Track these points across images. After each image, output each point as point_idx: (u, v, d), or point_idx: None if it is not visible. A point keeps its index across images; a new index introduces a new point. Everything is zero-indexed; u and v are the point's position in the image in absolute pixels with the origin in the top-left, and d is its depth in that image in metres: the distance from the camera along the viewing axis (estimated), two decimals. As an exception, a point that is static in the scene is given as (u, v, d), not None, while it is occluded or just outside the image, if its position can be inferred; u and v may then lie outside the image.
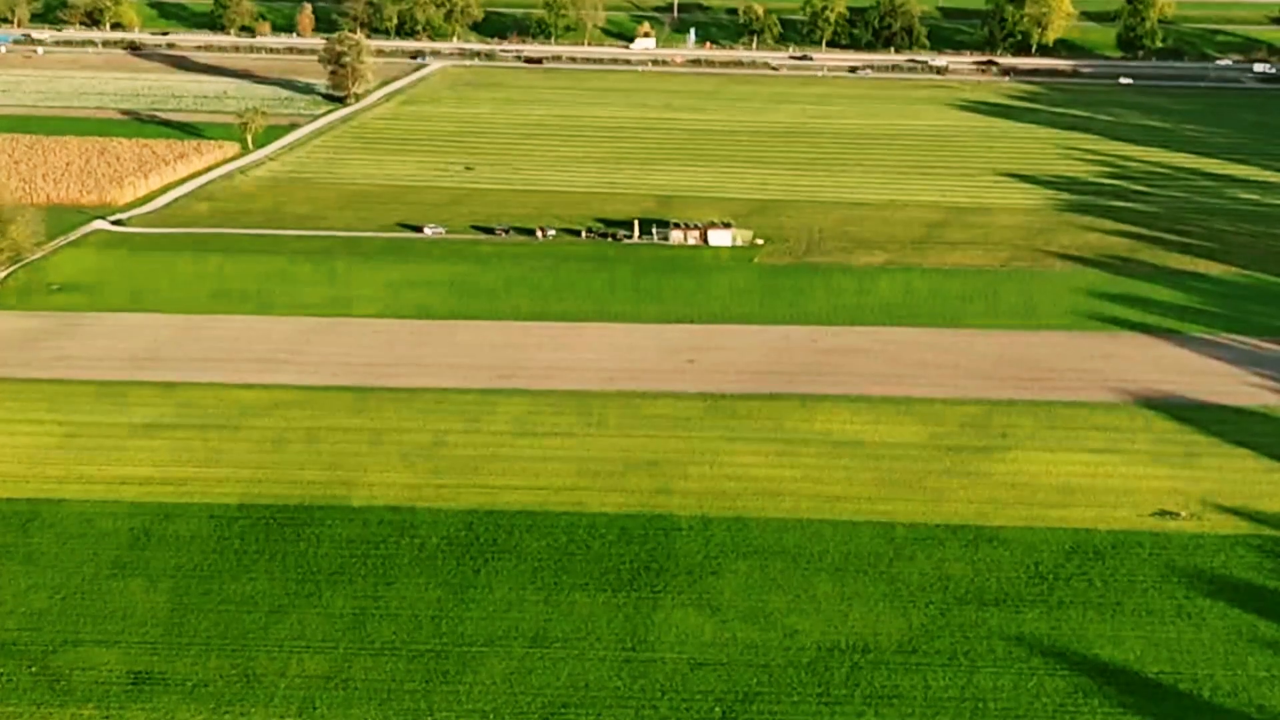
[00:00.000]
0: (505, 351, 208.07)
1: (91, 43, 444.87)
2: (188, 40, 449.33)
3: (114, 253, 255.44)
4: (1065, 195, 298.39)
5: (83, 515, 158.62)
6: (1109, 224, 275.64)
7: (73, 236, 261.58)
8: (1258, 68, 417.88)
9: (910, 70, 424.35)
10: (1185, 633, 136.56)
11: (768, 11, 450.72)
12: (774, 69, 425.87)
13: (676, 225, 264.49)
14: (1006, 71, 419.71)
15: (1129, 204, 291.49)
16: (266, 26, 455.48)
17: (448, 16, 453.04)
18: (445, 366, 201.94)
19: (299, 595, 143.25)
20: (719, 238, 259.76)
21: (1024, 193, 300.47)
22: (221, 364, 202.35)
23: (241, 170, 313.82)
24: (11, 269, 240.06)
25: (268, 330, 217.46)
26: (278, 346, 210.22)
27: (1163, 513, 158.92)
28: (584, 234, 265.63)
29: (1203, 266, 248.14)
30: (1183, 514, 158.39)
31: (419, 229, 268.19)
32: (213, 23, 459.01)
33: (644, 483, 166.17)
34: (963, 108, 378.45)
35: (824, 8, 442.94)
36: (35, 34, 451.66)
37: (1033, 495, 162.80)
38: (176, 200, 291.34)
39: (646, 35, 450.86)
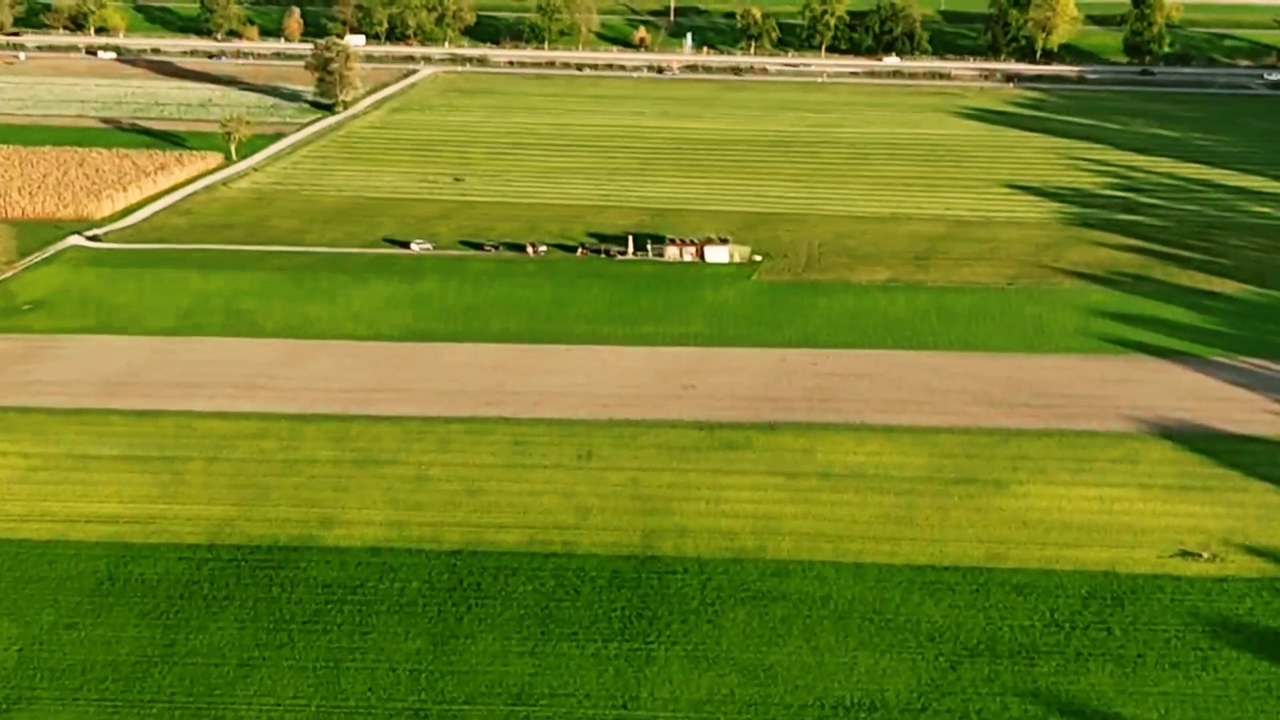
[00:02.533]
0: (493, 376, 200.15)
1: (75, 48, 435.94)
2: (173, 45, 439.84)
3: (89, 270, 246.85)
4: (1073, 208, 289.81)
5: (45, 557, 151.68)
6: (1118, 239, 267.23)
7: (47, 253, 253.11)
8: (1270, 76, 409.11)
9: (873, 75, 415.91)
10: (1211, 687, 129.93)
11: (766, 16, 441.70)
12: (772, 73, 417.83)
13: (672, 241, 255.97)
14: (1010, 78, 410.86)
15: (1139, 217, 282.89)
16: (254, 31, 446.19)
17: (439, 21, 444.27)
18: (430, 392, 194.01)
19: (270, 646, 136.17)
20: (716, 254, 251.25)
21: (1030, 205, 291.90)
22: (196, 390, 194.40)
23: (224, 182, 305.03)
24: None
25: (246, 353, 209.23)
26: (256, 371, 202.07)
27: (1183, 553, 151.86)
28: (579, 251, 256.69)
29: (1216, 284, 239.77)
30: (1204, 555, 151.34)
31: (406, 244, 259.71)
32: (199, 27, 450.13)
33: (637, 521, 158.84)
34: (965, 115, 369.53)
35: (823, 12, 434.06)
36: (18, 39, 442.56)
37: (1046, 534, 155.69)
38: (156, 214, 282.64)
39: (354, 33, 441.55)
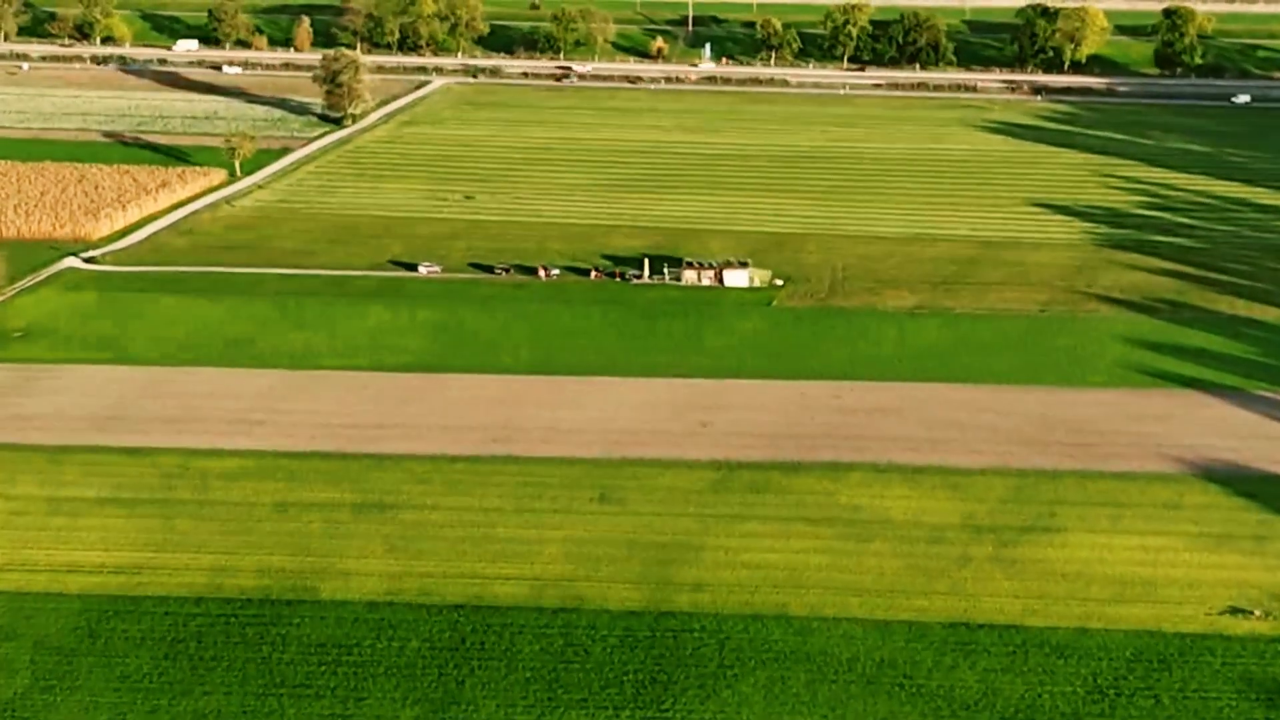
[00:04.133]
0: (501, 410, 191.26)
1: (80, 58, 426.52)
2: (180, 55, 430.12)
3: (83, 294, 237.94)
4: (1105, 229, 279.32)
5: (21, 611, 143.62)
6: (1154, 262, 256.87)
7: (41, 276, 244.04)
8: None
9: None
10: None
11: (786, 26, 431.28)
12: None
13: (690, 264, 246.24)
14: (1038, 90, 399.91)
15: (1175, 239, 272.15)
16: (263, 41, 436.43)
17: (452, 30, 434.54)
18: (435, 428, 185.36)
19: (258, 713, 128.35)
20: (735, 278, 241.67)
21: (1060, 225, 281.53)
22: (190, 425, 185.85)
23: (227, 200, 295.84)
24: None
25: (243, 385, 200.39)
26: (252, 404, 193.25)
27: (1234, 610, 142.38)
28: (594, 274, 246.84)
29: (1258, 311, 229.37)
30: (1256, 613, 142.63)
31: (413, 267, 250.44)
32: (207, 36, 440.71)
33: (651, 571, 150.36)
34: (991, 130, 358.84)
35: (845, 22, 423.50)
36: (20, 49, 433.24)
37: (1086, 588, 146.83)
38: (156, 234, 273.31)
39: (185, 39, 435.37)
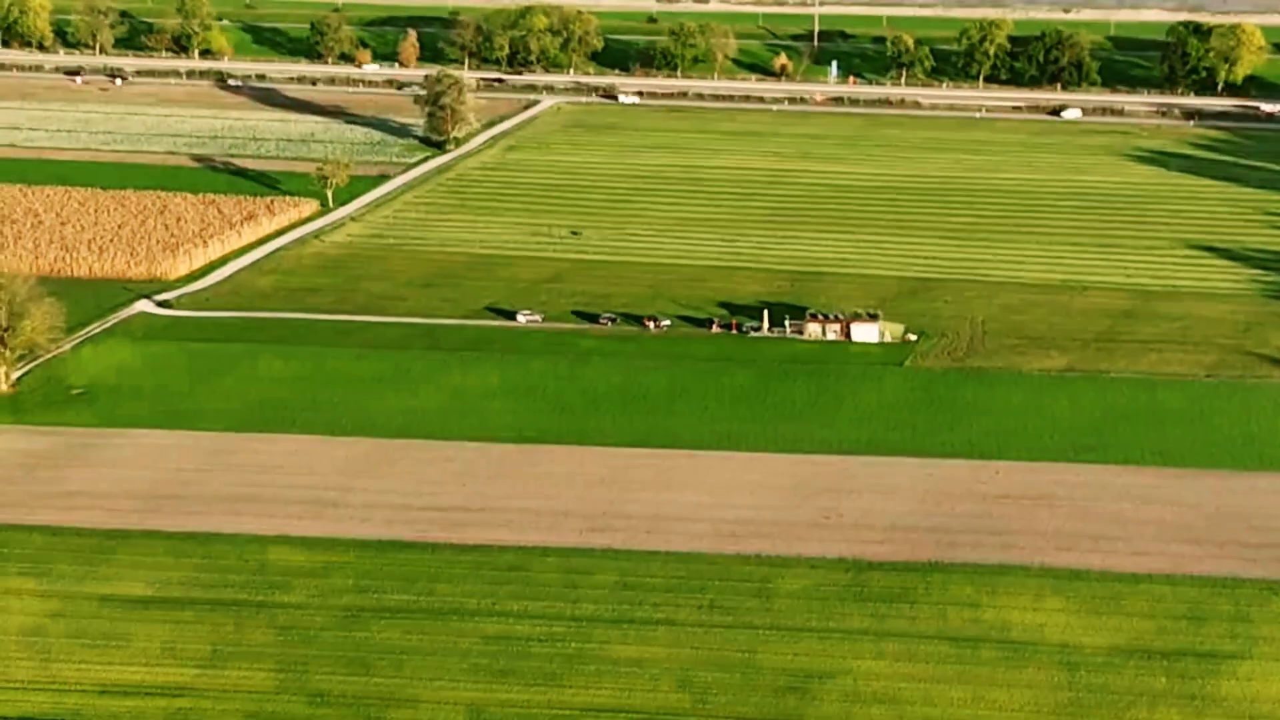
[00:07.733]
0: (600, 491, 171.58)
1: (176, 73, 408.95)
2: (280, 70, 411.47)
3: (152, 345, 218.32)
4: (1274, 277, 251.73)
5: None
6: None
7: (109, 322, 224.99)
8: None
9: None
10: None
11: (919, 42, 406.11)
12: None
13: (814, 316, 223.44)
14: (1190, 114, 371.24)
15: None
16: (367, 55, 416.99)
17: (564, 46, 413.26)
18: (526, 513, 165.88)
19: None
20: (864, 333, 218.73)
21: (1223, 273, 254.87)
22: (254, 506, 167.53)
23: (317, 234, 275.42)
24: (26, 368, 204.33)
25: (317, 457, 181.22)
26: (326, 481, 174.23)
27: None
28: (714, 327, 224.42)
29: None
30: None
31: (512, 315, 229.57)
32: (309, 50, 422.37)
33: (769, 704, 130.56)
34: (1140, 159, 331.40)
35: (983, 38, 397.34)
36: (116, 61, 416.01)
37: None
38: (237, 273, 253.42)
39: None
